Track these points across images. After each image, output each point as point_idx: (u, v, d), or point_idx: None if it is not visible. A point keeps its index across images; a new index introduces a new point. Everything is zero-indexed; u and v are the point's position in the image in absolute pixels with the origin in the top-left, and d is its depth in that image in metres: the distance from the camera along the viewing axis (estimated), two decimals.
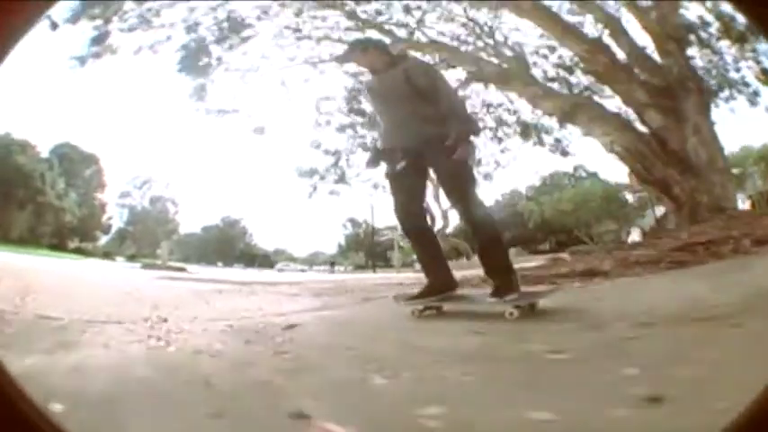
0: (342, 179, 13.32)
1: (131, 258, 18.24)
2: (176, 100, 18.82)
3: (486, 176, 13.58)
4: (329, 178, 13.37)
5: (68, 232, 18.08)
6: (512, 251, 13.42)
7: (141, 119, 18.76)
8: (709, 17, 9.10)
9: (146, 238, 18.71)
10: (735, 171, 10.98)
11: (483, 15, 10.58)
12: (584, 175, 17.33)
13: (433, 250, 3.17)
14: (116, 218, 19.28)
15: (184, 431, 1.41)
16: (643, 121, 8.32)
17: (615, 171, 17.96)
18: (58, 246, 17.89)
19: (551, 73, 10.90)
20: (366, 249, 19.07)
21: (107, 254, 18.35)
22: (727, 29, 8.99)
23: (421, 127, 3.07)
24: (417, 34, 10.85)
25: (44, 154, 19.09)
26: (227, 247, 19.45)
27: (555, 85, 10.67)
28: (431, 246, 3.22)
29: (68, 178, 18.85)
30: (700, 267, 4.26)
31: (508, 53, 10.54)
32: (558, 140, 12.53)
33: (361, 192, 15.55)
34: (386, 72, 3.23)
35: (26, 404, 0.77)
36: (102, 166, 18.94)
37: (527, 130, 12.50)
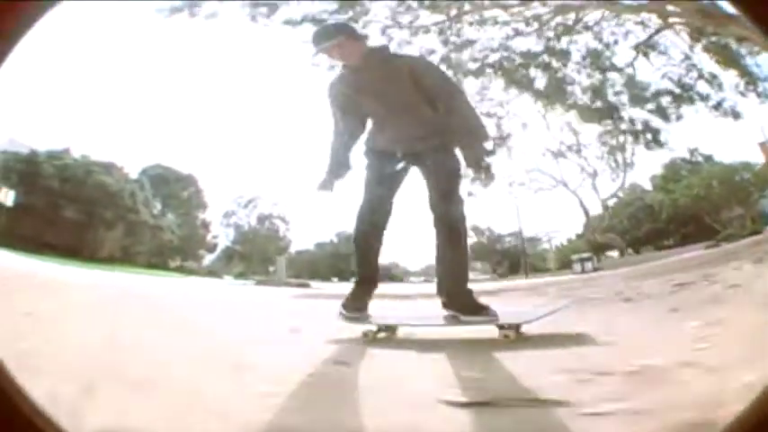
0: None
1: (240, 276, 16.34)
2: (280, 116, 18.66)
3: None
4: None
5: (169, 251, 15.81)
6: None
7: (241, 139, 18.17)
8: None
9: (255, 256, 16.82)
10: None
11: None
12: (700, 159, 18.00)
13: (377, 250, 3.05)
14: (222, 237, 17.50)
15: None
16: None
17: (729, 152, 18.54)
18: (159, 264, 15.41)
19: None
20: (490, 257, 18.11)
21: (212, 272, 16.19)
22: None
23: (424, 130, 2.89)
24: None
25: (133, 175, 17.45)
26: (342, 262, 17.73)
27: None
28: (378, 246, 3.07)
29: (164, 199, 17.17)
30: None
31: None
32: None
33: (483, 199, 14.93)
34: (376, 67, 2.95)
35: (27, 404, 0.75)
36: (202, 186, 17.52)
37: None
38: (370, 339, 2.70)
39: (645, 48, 13.46)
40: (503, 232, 18.71)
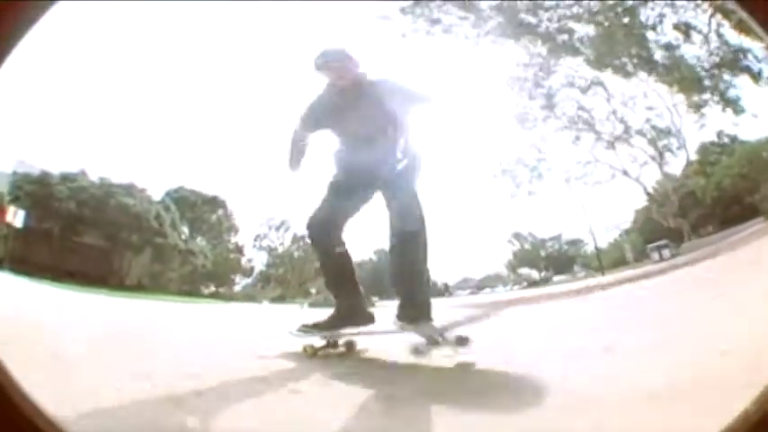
0: None
1: (278, 300, 15.37)
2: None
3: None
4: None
5: (201, 277, 14.83)
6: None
7: (267, 158, 17.21)
8: None
9: (293, 279, 15.89)
10: None
11: None
12: (726, 140, 17.55)
13: (350, 274, 3.17)
14: (256, 260, 16.49)
15: None
16: None
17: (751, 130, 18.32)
18: (191, 292, 14.41)
19: None
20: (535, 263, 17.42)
21: (250, 297, 15.24)
22: None
23: (389, 151, 3.12)
24: None
25: (155, 198, 16.34)
26: (382, 279, 16.85)
27: None
28: (348, 268, 3.21)
29: (191, 222, 16.16)
30: None
31: None
32: None
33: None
34: (355, 87, 3.21)
35: (27, 405, 0.79)
36: (231, 208, 16.50)
37: None
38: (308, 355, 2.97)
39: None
40: (548, 235, 18.04)
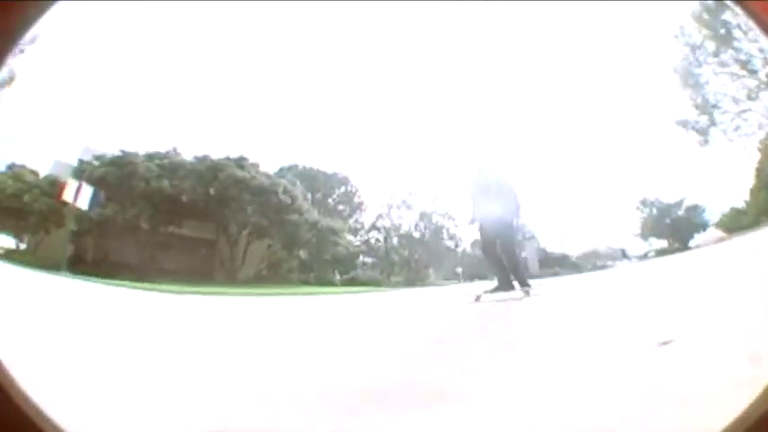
0: None
1: (406, 284, 12.45)
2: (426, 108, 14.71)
3: None
4: None
5: (327, 263, 11.66)
6: None
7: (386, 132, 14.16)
8: None
9: (421, 261, 12.98)
10: None
11: None
12: None
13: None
14: (381, 242, 13.35)
15: None
16: None
17: None
18: (321, 279, 11.26)
19: None
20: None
21: (376, 281, 12.19)
22: None
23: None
24: None
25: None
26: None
27: None
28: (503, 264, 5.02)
29: (316, 201, 12.99)
30: None
31: None
32: None
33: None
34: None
35: (28, 405, 0.74)
36: (355, 186, 13.39)
37: None
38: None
39: None
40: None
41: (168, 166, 12.36)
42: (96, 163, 13.01)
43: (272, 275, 12.22)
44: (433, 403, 1.47)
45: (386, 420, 1.33)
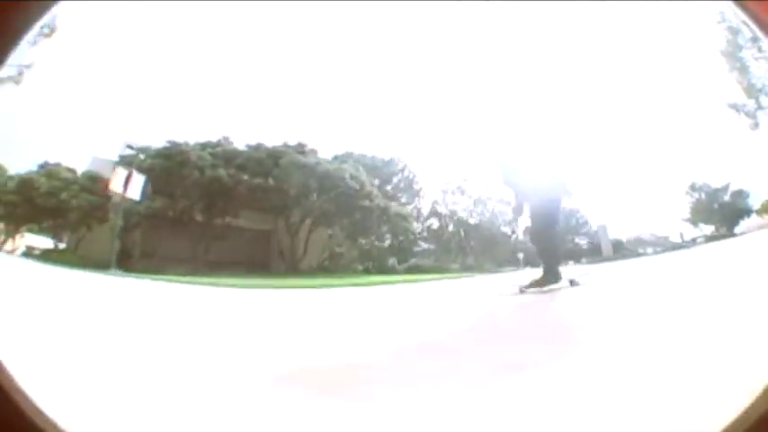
0: None
1: (464, 270, 12.19)
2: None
3: None
4: None
5: (385, 251, 11.16)
6: None
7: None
8: None
9: (477, 247, 12.73)
10: None
11: None
12: None
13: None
14: (438, 229, 13.00)
15: None
16: None
17: None
18: (382, 268, 10.77)
19: None
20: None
21: (437, 270, 11.87)
22: None
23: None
24: None
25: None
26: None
27: None
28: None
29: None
30: None
31: None
32: None
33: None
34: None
35: (27, 404, 0.74)
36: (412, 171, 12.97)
37: None
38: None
39: None
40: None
41: (222, 154, 11.77)
42: (141, 155, 12.33)
43: (334, 265, 11.71)
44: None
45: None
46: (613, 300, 3.79)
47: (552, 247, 4.48)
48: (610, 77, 14.39)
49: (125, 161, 12.51)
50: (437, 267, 12.57)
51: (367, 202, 10.93)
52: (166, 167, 11.74)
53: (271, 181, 11.14)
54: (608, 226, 13.86)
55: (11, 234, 13.86)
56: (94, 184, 12.52)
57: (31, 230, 14.06)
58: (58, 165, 13.22)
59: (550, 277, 4.34)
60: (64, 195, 12.49)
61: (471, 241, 13.75)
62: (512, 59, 12.56)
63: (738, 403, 0.76)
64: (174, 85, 12.39)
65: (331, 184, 10.67)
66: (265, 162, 11.27)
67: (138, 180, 10.96)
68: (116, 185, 10.82)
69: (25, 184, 13.16)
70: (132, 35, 12.37)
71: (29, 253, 13.06)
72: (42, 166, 13.32)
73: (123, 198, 11.01)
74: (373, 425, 1.32)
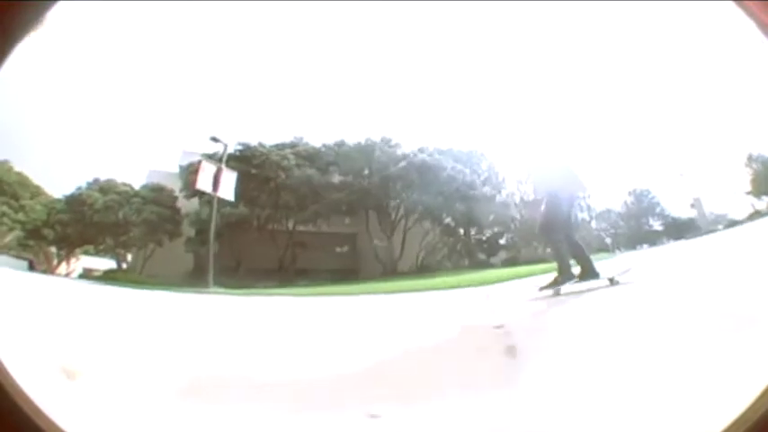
0: None
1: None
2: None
3: None
4: None
5: (475, 244, 10.43)
6: None
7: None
8: None
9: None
10: None
11: None
12: None
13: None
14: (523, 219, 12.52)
15: None
16: None
17: None
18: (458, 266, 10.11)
19: None
20: None
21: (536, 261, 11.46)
22: None
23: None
24: None
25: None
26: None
27: None
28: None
29: None
30: None
31: None
32: None
33: None
34: None
35: (27, 404, 0.75)
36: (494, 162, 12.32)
37: None
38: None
39: None
40: None
41: (305, 153, 10.87)
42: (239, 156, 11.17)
43: (431, 264, 10.97)
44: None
45: None
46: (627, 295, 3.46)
47: (576, 243, 4.07)
48: (666, 54, 14.07)
49: (192, 171, 11.46)
50: (536, 259, 11.96)
51: (472, 192, 10.23)
52: (244, 171, 10.74)
53: (366, 177, 10.31)
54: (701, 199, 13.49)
55: (62, 258, 12.59)
56: (161, 194, 11.41)
57: (86, 252, 12.81)
58: (109, 181, 12.03)
59: (589, 274, 3.91)
60: (125, 210, 11.35)
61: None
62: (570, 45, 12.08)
63: (738, 403, 0.74)
64: (231, 87, 11.45)
65: (433, 176, 9.91)
66: (356, 157, 10.43)
67: (229, 177, 9.83)
68: (204, 183, 9.60)
69: (76, 201, 11.93)
70: (181, 39, 11.38)
71: (87, 275, 11.84)
72: (92, 184, 12.10)
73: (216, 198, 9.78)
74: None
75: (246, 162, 10.92)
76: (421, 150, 11.11)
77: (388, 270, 10.83)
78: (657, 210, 15.14)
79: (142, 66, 12.11)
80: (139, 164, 12.68)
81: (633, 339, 2.04)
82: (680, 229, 14.95)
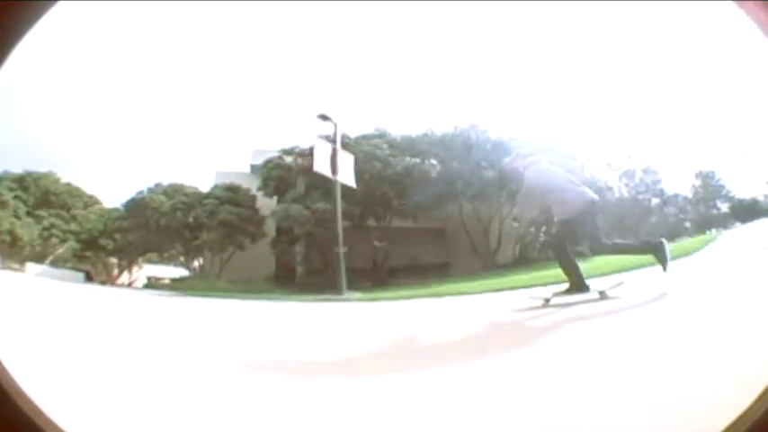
0: None
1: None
2: None
3: None
4: None
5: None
6: None
7: None
8: None
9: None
10: None
11: None
12: None
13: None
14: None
15: None
16: None
17: None
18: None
19: None
20: None
21: None
22: None
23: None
24: None
25: None
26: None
27: None
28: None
29: None
30: None
31: None
32: None
33: None
34: None
35: (27, 404, 0.75)
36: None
37: None
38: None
39: None
40: None
41: (397, 143, 10.20)
42: (288, 158, 10.45)
43: (527, 256, 10.46)
44: None
45: None
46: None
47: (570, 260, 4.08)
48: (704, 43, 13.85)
49: (270, 167, 10.59)
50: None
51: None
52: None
53: (467, 164, 9.71)
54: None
55: (123, 267, 11.54)
56: (237, 195, 10.51)
57: (149, 261, 11.78)
58: (175, 185, 11.05)
59: (578, 287, 3.95)
60: (197, 211, 10.41)
61: (629, 216, 12.92)
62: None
63: (738, 403, 0.74)
64: (303, 80, 10.69)
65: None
66: (455, 146, 9.82)
67: (347, 160, 9.01)
68: (321, 166, 8.69)
69: (138, 206, 10.92)
70: (242, 37, 10.54)
71: (153, 284, 10.85)
72: (153, 189, 11.08)
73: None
74: None
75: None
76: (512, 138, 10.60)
77: (488, 264, 10.25)
78: (723, 192, 14.98)
79: (201, 65, 11.17)
80: (205, 166, 11.71)
81: (634, 340, 1.99)
82: (748, 211, 14.73)
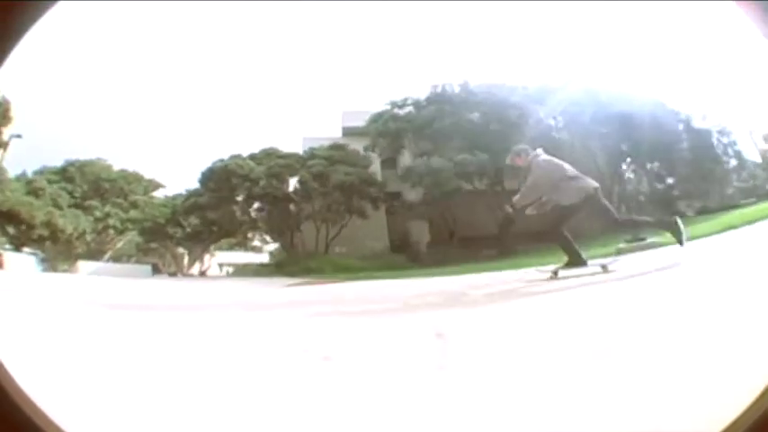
0: None
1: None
2: None
3: None
4: None
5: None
6: None
7: None
8: None
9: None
10: None
11: None
12: None
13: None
14: None
15: None
16: None
17: None
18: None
19: None
20: None
21: None
22: None
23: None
24: None
25: None
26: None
27: None
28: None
29: None
30: None
31: None
32: None
33: None
34: None
35: (27, 404, 0.74)
36: None
37: None
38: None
39: None
40: None
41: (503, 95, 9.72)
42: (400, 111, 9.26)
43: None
44: None
45: None
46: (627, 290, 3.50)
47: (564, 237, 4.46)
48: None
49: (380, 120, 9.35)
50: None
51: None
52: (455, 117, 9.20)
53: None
54: None
55: (198, 254, 9.18)
56: (347, 154, 9.06)
57: (227, 246, 9.52)
58: (266, 149, 9.37)
59: (576, 261, 4.28)
60: (302, 173, 8.77)
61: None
62: None
63: (738, 403, 0.74)
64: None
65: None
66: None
67: None
68: None
69: (218, 177, 9.01)
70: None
71: (236, 272, 8.70)
72: (235, 157, 9.26)
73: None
74: None
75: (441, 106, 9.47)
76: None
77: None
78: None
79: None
80: (290, 133, 10.29)
81: (633, 337, 1.93)
82: None
